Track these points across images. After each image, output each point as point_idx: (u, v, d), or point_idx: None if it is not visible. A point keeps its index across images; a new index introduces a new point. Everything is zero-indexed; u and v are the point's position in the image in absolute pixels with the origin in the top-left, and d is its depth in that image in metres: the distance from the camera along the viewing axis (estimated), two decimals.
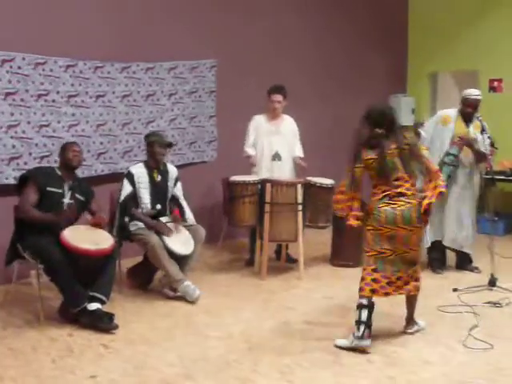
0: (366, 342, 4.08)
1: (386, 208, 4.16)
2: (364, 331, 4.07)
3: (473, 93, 5.80)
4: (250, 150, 6.25)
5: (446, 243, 6.01)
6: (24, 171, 5.12)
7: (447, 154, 5.78)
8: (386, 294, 4.24)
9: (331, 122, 8.40)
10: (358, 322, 4.11)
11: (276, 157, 6.27)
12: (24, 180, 4.74)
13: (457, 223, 5.94)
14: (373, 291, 4.16)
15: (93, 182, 5.87)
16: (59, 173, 4.82)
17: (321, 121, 8.19)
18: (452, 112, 5.93)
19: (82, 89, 5.97)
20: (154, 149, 5.33)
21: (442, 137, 5.86)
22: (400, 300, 4.98)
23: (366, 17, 8.79)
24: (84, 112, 6.00)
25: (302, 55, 8.04)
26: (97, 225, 4.78)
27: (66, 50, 5.78)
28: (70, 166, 4.83)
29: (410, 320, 4.50)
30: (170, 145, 5.57)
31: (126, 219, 5.23)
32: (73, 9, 5.88)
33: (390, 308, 4.96)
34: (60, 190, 4.74)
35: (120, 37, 6.23)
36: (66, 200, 4.76)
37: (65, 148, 4.88)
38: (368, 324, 4.10)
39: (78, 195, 4.86)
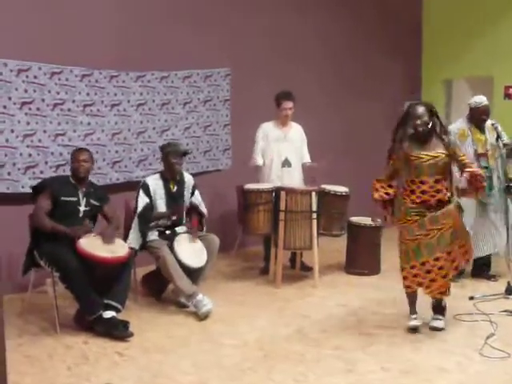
0: None
1: None
2: None
3: (482, 100, 5.76)
4: (258, 160, 6.28)
5: (486, 252, 5.92)
6: (39, 180, 5.17)
7: (481, 168, 5.52)
8: None
9: (344, 127, 8.38)
10: None
11: (286, 163, 6.28)
12: (38, 190, 4.77)
13: (494, 230, 5.85)
14: None
15: (108, 191, 5.92)
16: (73, 181, 4.85)
17: (333, 126, 8.17)
18: (463, 124, 5.84)
19: (98, 98, 6.02)
20: (170, 160, 5.31)
21: (463, 152, 5.74)
22: (418, 310, 4.96)
23: (380, 23, 8.78)
24: (99, 121, 6.05)
25: (315, 62, 8.03)
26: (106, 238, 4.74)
27: (82, 60, 5.84)
28: (77, 176, 4.83)
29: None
30: (185, 153, 5.55)
31: (146, 230, 5.23)
32: (88, 18, 5.94)
33: (406, 317, 4.94)
34: (75, 198, 4.76)
35: (135, 46, 6.28)
36: (82, 207, 4.78)
37: (72, 157, 4.88)
38: None
39: (93, 201, 4.87)
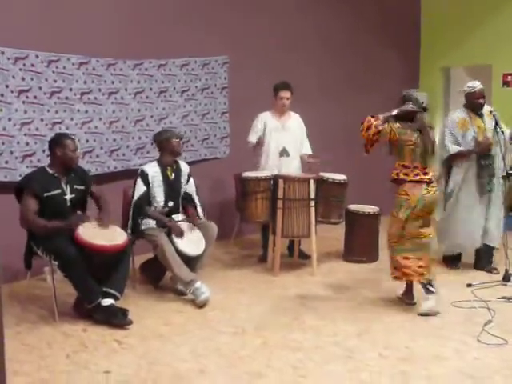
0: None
1: None
2: None
3: (476, 84, 5.69)
4: (251, 138, 6.26)
5: (490, 243, 5.86)
6: (34, 167, 5.14)
7: (482, 157, 5.64)
8: None
9: (343, 117, 8.35)
10: None
11: (284, 153, 6.26)
12: (20, 190, 4.60)
13: (485, 221, 5.79)
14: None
15: (106, 179, 5.92)
16: (51, 171, 4.65)
17: (332, 117, 8.16)
18: (462, 113, 5.76)
19: (95, 86, 6.00)
20: (172, 143, 5.32)
21: (465, 142, 5.68)
22: (416, 296, 4.97)
23: (378, 11, 8.74)
24: (97, 109, 6.03)
25: (312, 51, 8.01)
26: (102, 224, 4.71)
27: (79, 48, 5.81)
28: (68, 167, 4.69)
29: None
30: (181, 137, 5.59)
31: (140, 219, 5.23)
32: (85, 6, 5.90)
33: (406, 303, 4.96)
34: (58, 190, 4.63)
35: (132, 34, 6.25)
36: (68, 196, 4.67)
37: (62, 144, 4.62)
38: None
39: (77, 186, 4.74)
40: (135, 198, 5.22)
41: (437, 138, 5.36)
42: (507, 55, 8.35)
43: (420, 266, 4.70)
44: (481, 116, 5.73)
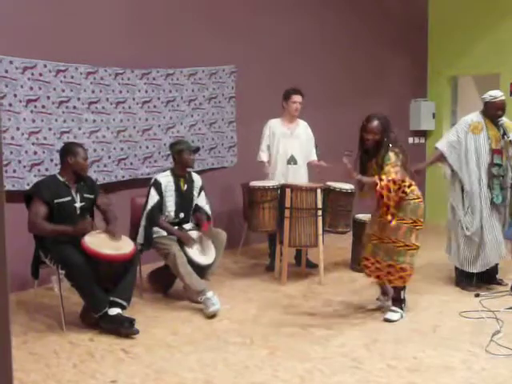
0: None
1: None
2: None
3: (498, 94, 5.50)
4: (263, 156, 6.27)
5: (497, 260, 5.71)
6: (42, 176, 5.17)
7: (493, 165, 5.48)
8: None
9: (350, 126, 8.34)
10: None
11: (291, 160, 6.27)
12: (30, 197, 4.62)
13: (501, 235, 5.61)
14: None
15: (113, 188, 5.94)
16: (62, 179, 4.67)
17: (340, 125, 8.15)
18: (478, 117, 5.57)
19: (103, 95, 6.03)
20: (184, 156, 5.32)
21: (477, 147, 5.50)
22: (422, 307, 4.95)
23: (386, 20, 8.76)
24: (104, 118, 6.05)
25: (321, 60, 8.03)
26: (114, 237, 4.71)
27: (87, 57, 5.84)
28: (80, 175, 4.72)
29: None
30: (197, 150, 5.58)
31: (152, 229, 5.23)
32: (93, 16, 5.94)
33: (414, 314, 4.94)
34: (69, 198, 4.64)
35: (140, 43, 6.28)
36: (78, 204, 4.69)
37: (73, 152, 4.65)
38: None
39: (86, 195, 4.76)
40: (148, 207, 5.22)
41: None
42: None
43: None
44: (497, 126, 5.50)
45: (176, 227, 5.29)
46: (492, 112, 5.50)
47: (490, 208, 5.51)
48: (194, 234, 5.27)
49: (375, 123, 4.80)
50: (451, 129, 5.72)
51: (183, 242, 5.15)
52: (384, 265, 4.77)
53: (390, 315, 4.82)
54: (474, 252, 5.57)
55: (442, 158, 5.69)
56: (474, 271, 5.62)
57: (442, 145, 5.71)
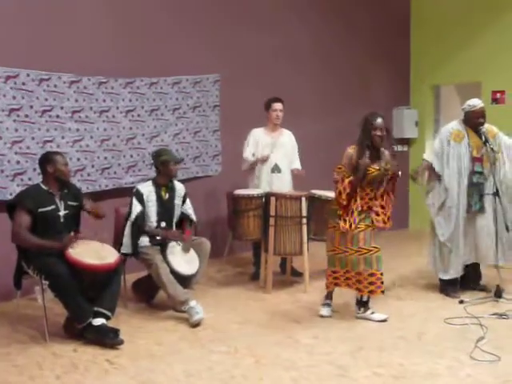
0: None
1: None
2: None
3: (477, 103, 5.55)
4: (249, 156, 6.28)
5: (481, 262, 5.73)
6: (25, 186, 5.13)
7: (473, 173, 5.51)
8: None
9: (334, 134, 8.40)
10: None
11: (275, 169, 6.29)
12: (13, 206, 4.58)
13: (491, 239, 5.54)
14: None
15: (97, 197, 5.89)
16: (45, 187, 4.65)
17: (323, 133, 8.20)
18: (459, 126, 5.62)
19: (86, 104, 6.00)
20: (169, 167, 5.31)
21: (458, 154, 5.54)
22: (407, 314, 4.96)
23: (370, 29, 8.83)
24: (88, 127, 6.03)
25: (306, 69, 8.06)
26: (96, 215, 4.74)
27: (70, 66, 5.82)
28: (63, 181, 4.70)
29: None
30: (181, 160, 5.60)
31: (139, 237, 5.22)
32: (76, 25, 5.93)
33: (399, 321, 4.95)
34: (53, 206, 4.61)
35: (123, 52, 6.27)
36: (62, 212, 4.66)
37: (51, 160, 4.64)
38: None
39: (70, 203, 4.74)
40: (133, 217, 5.19)
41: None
42: (496, 73, 8.43)
43: None
44: (479, 134, 5.51)
45: (158, 238, 5.27)
46: (473, 121, 5.55)
47: (466, 216, 5.57)
48: (177, 245, 5.24)
49: (382, 120, 4.89)
50: (435, 139, 5.77)
51: (171, 237, 5.15)
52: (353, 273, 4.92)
53: (377, 316, 5.00)
54: (446, 258, 5.66)
55: (430, 168, 5.70)
56: (447, 278, 5.68)
57: (428, 155, 5.80)
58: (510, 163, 5.55)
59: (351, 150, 4.88)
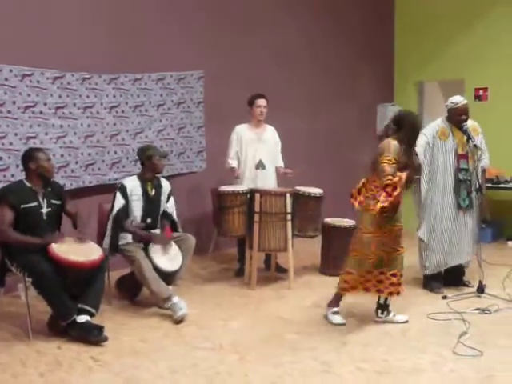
0: None
1: None
2: None
3: (460, 100, 5.60)
4: (232, 162, 6.27)
5: (457, 262, 5.78)
6: (8, 182, 5.09)
7: (460, 170, 5.57)
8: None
9: (318, 130, 8.44)
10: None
11: (260, 165, 6.29)
12: None
13: (470, 238, 5.71)
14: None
15: (81, 194, 5.88)
16: (29, 184, 4.62)
17: (308, 129, 8.23)
18: (443, 123, 5.68)
19: (70, 100, 5.96)
20: (155, 162, 5.29)
21: (444, 152, 5.59)
22: (393, 309, 5.00)
23: (353, 27, 8.85)
24: (72, 123, 5.98)
25: (290, 66, 8.06)
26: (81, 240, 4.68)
27: (54, 62, 5.77)
28: (47, 177, 4.67)
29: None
30: (166, 155, 5.58)
31: (118, 234, 5.19)
32: (60, 20, 5.88)
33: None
34: (35, 203, 4.58)
35: (108, 48, 6.23)
36: (44, 210, 4.63)
37: (33, 157, 4.61)
38: None
39: (53, 201, 4.71)
40: (114, 211, 5.17)
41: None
42: (479, 70, 8.50)
43: None
44: (462, 130, 5.57)
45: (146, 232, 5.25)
46: (456, 118, 5.59)
47: (455, 213, 5.61)
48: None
49: None
50: (420, 136, 5.76)
51: (156, 242, 5.12)
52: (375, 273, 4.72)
53: (400, 318, 4.92)
54: (426, 254, 5.73)
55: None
56: (428, 273, 5.75)
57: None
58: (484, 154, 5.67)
59: (397, 144, 4.53)
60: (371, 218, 4.56)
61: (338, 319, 4.84)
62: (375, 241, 4.61)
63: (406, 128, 4.55)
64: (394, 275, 4.72)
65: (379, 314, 4.90)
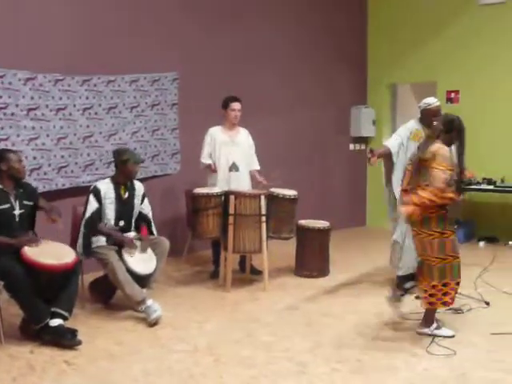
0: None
1: None
2: None
3: (433, 101, 5.68)
4: (206, 160, 6.26)
5: None
6: None
7: None
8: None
9: (292, 133, 8.46)
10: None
11: (233, 167, 6.29)
12: None
13: None
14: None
15: (54, 197, 5.82)
16: (0, 186, 4.57)
17: (281, 132, 8.25)
18: (417, 125, 5.73)
19: (42, 102, 5.90)
20: (129, 167, 5.25)
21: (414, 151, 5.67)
22: (364, 310, 5.03)
23: (326, 29, 8.89)
24: (44, 125, 5.93)
25: (263, 69, 8.07)
26: (53, 220, 4.64)
27: (26, 63, 5.71)
28: (19, 178, 4.63)
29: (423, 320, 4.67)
30: (141, 161, 5.56)
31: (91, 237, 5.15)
32: (32, 21, 5.82)
33: (357, 317, 5.01)
34: (7, 205, 4.53)
35: (80, 49, 6.19)
36: (17, 211, 4.58)
37: (4, 158, 4.56)
38: None
39: (26, 202, 4.66)
40: (87, 214, 5.13)
41: None
42: (451, 73, 8.61)
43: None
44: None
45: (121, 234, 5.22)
46: (429, 119, 5.63)
47: None
48: (136, 243, 5.20)
49: None
50: (394, 134, 5.83)
51: (126, 245, 5.09)
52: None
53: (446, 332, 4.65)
54: (398, 255, 5.77)
55: (388, 154, 5.70)
56: (401, 274, 5.79)
57: (389, 143, 5.78)
58: None
59: (448, 150, 4.52)
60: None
61: (447, 331, 4.60)
62: (449, 242, 4.50)
63: (455, 132, 4.59)
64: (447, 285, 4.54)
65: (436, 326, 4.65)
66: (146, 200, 5.48)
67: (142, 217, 5.44)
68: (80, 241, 5.13)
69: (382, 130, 9.52)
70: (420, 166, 4.52)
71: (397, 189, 5.67)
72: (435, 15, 8.76)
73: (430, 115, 5.61)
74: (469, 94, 8.47)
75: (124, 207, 5.29)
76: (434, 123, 4.71)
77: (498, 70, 8.22)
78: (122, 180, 5.30)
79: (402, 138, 5.71)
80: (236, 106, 6.27)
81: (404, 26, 9.05)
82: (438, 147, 4.47)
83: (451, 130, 4.58)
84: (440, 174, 4.37)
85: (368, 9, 9.57)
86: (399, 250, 5.76)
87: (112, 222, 5.23)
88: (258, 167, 6.49)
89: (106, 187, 5.23)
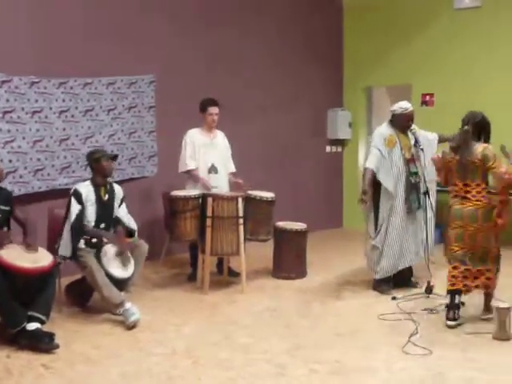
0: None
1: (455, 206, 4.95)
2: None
3: (408, 105, 5.71)
4: (191, 163, 6.25)
5: (407, 264, 5.88)
6: None
7: (411, 174, 5.67)
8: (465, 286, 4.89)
9: (268, 135, 8.49)
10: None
11: (212, 169, 6.31)
12: None
13: (415, 242, 5.83)
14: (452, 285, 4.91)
15: (30, 200, 5.78)
16: None
17: (258, 134, 8.27)
18: (389, 130, 5.71)
19: (18, 104, 5.86)
20: (102, 164, 5.23)
21: (392, 158, 5.61)
22: (342, 312, 5.06)
23: (303, 33, 8.94)
24: (20, 128, 5.88)
25: (240, 71, 8.09)
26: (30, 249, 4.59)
27: (1, 65, 5.66)
28: None
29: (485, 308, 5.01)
30: (115, 157, 5.54)
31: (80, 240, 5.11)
32: (7, 23, 5.78)
33: (334, 318, 5.05)
34: None
35: (57, 52, 6.15)
36: None
37: None
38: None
39: (2, 207, 4.64)
40: (72, 219, 5.07)
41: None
42: (426, 76, 8.70)
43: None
44: (406, 135, 5.73)
45: (95, 240, 5.19)
46: (403, 123, 5.72)
47: (406, 218, 5.72)
48: (113, 248, 5.18)
49: None
50: (370, 147, 5.75)
51: (117, 246, 5.08)
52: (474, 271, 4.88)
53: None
54: (377, 259, 5.78)
55: (372, 175, 5.62)
56: (378, 277, 5.82)
57: (370, 163, 5.65)
58: (429, 163, 5.61)
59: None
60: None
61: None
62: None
63: (487, 129, 4.88)
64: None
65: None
66: (123, 205, 5.46)
67: (117, 221, 5.41)
68: (67, 244, 5.08)
69: (358, 132, 9.60)
70: (467, 169, 4.77)
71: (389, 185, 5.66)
72: (411, 19, 8.85)
73: (406, 120, 5.69)
74: (444, 97, 8.56)
75: (104, 209, 5.27)
76: (465, 127, 4.85)
77: (473, 73, 8.33)
78: (101, 180, 5.28)
79: (380, 150, 5.63)
80: (214, 110, 6.28)
81: (379, 28, 9.13)
82: (486, 149, 4.75)
83: (484, 128, 4.88)
84: (500, 168, 4.70)
85: (344, 11, 9.63)
86: (378, 255, 5.78)
87: (92, 224, 5.20)
88: (235, 169, 6.52)
89: (87, 190, 5.21)
